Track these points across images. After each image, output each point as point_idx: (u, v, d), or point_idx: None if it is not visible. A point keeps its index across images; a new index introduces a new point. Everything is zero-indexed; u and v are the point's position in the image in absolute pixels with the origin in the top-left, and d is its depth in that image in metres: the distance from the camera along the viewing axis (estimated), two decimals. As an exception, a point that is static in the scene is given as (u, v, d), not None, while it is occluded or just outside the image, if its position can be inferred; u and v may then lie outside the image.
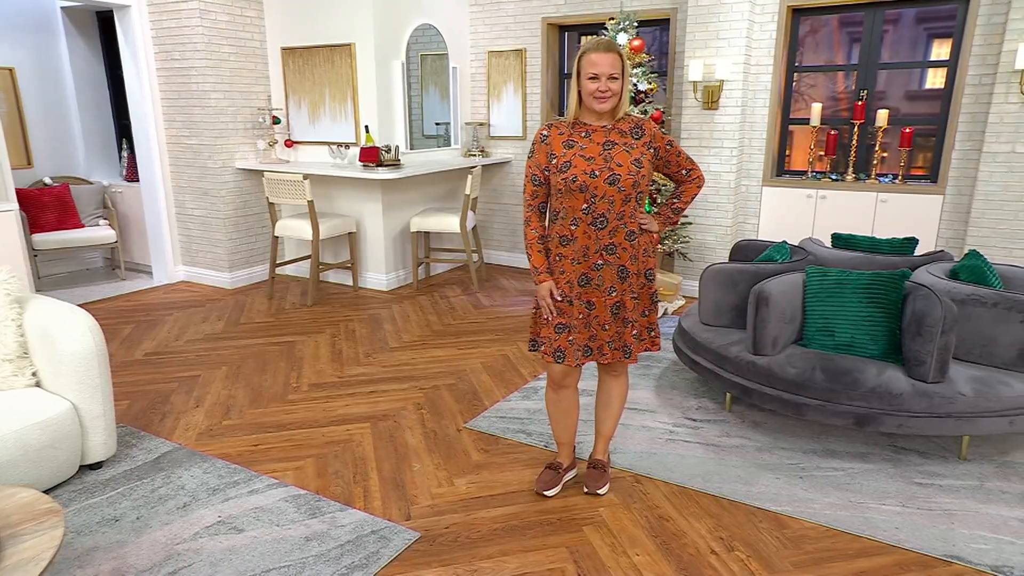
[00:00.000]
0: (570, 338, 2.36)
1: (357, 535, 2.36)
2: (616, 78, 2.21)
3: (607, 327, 2.37)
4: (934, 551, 2.26)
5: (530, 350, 2.51)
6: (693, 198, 2.48)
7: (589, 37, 5.80)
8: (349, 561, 2.22)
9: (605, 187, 2.25)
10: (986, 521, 2.42)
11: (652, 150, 2.33)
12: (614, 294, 2.35)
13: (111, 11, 5.47)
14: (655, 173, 2.41)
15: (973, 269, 3.05)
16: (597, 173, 2.24)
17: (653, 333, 2.45)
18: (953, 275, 3.11)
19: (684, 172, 2.45)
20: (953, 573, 2.17)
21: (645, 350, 2.45)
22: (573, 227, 2.31)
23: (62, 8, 5.87)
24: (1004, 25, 4.13)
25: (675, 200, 2.48)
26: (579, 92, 2.27)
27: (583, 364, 2.42)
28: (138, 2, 5.22)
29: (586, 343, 2.38)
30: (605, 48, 2.19)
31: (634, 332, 2.39)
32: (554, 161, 2.30)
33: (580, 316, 2.35)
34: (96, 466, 2.73)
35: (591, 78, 2.21)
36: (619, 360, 2.43)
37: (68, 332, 2.59)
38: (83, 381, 2.59)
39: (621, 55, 2.21)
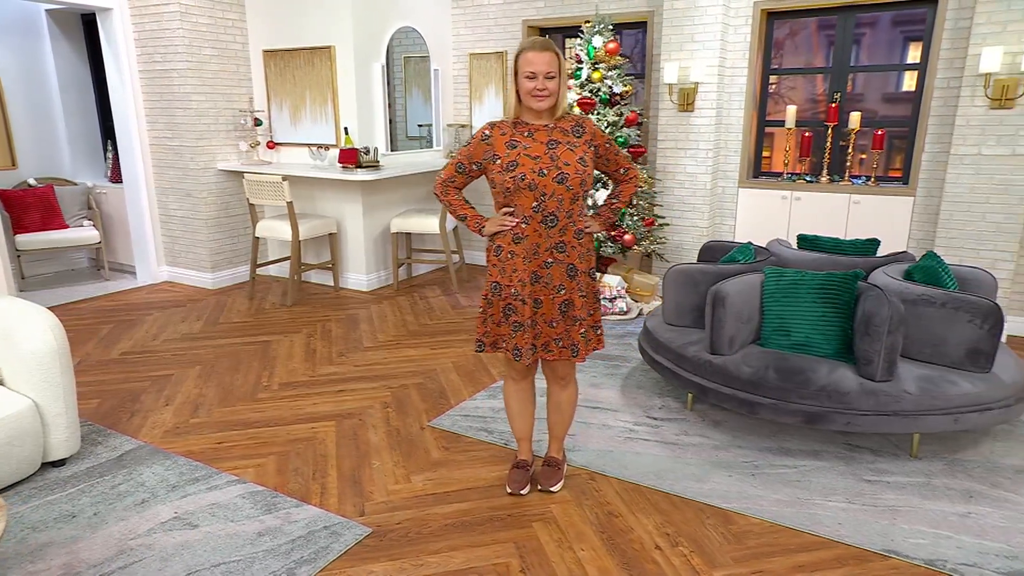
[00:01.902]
0: (525, 336, 2.40)
1: (309, 530, 2.40)
2: (553, 77, 2.26)
3: (554, 324, 2.41)
4: (872, 546, 2.31)
5: (476, 351, 2.54)
6: (631, 197, 2.54)
7: (570, 39, 5.89)
8: (298, 556, 2.26)
9: (554, 186, 2.29)
10: (927, 517, 2.47)
11: (593, 148, 2.38)
12: (563, 292, 2.39)
13: (95, 13, 5.52)
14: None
15: (927, 270, 3.09)
16: (545, 172, 2.29)
17: (599, 332, 2.50)
18: (908, 276, 3.16)
19: (622, 171, 2.51)
20: (888, 567, 2.22)
21: (593, 349, 2.49)
22: (524, 225, 2.35)
23: (46, 11, 5.93)
24: (969, 29, 4.17)
25: (614, 200, 2.54)
26: (517, 92, 2.32)
27: (531, 363, 2.46)
28: (120, 5, 5.28)
29: (531, 342, 2.42)
30: (541, 47, 2.24)
31: (582, 331, 2.43)
32: (498, 162, 2.34)
33: (529, 315, 2.39)
34: (59, 463, 2.78)
35: (528, 77, 2.25)
36: (566, 358, 2.46)
37: (30, 331, 2.64)
38: (45, 379, 2.64)
39: (558, 54, 2.26)
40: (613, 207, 2.53)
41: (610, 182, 4.80)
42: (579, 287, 2.41)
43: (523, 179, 2.29)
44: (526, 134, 2.34)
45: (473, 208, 2.52)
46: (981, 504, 2.54)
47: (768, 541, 2.37)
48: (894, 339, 2.70)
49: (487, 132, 2.38)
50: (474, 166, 2.43)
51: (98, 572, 2.17)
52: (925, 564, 2.22)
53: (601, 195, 4.91)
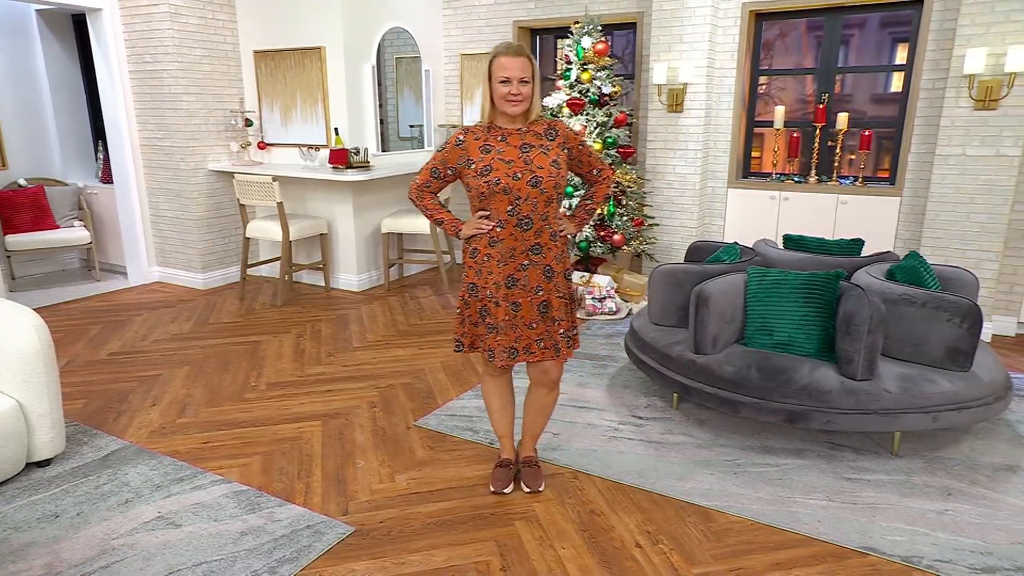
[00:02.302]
0: (498, 339, 2.42)
1: (292, 529, 2.41)
2: (527, 81, 2.28)
3: (534, 326, 2.43)
4: (850, 543, 2.33)
5: (455, 351, 2.56)
6: (605, 197, 2.56)
7: (561, 40, 5.90)
8: (280, 555, 2.28)
9: (528, 189, 2.31)
10: (906, 514, 2.49)
11: (566, 151, 2.40)
12: (541, 293, 2.41)
13: (85, 14, 5.52)
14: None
15: (909, 270, 3.12)
16: (519, 175, 2.31)
17: (574, 332, 2.51)
18: (890, 276, 3.18)
19: (595, 172, 2.54)
20: (865, 563, 2.24)
21: (571, 348, 2.50)
22: (499, 228, 2.37)
23: (36, 11, 5.92)
24: (954, 31, 4.20)
25: (588, 201, 2.57)
26: (491, 96, 2.33)
27: (509, 366, 2.47)
28: (110, 5, 5.28)
29: (511, 345, 2.43)
30: (515, 52, 2.26)
31: (561, 331, 2.45)
32: (472, 166, 2.35)
33: (506, 318, 2.41)
34: (44, 463, 2.79)
35: (502, 81, 2.27)
36: (550, 359, 2.48)
37: (14, 332, 2.64)
38: (28, 380, 2.65)
39: (531, 59, 2.29)
40: (587, 208, 2.56)
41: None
42: (556, 288, 2.43)
43: (497, 183, 2.30)
44: (500, 138, 2.36)
45: (449, 212, 2.52)
46: (959, 501, 2.57)
47: (747, 539, 2.39)
48: (874, 338, 2.72)
49: (461, 137, 2.40)
50: (449, 171, 2.43)
51: (80, 572, 2.18)
52: (901, 561, 2.24)
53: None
